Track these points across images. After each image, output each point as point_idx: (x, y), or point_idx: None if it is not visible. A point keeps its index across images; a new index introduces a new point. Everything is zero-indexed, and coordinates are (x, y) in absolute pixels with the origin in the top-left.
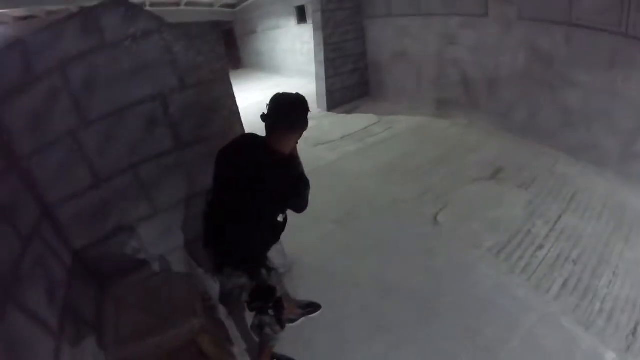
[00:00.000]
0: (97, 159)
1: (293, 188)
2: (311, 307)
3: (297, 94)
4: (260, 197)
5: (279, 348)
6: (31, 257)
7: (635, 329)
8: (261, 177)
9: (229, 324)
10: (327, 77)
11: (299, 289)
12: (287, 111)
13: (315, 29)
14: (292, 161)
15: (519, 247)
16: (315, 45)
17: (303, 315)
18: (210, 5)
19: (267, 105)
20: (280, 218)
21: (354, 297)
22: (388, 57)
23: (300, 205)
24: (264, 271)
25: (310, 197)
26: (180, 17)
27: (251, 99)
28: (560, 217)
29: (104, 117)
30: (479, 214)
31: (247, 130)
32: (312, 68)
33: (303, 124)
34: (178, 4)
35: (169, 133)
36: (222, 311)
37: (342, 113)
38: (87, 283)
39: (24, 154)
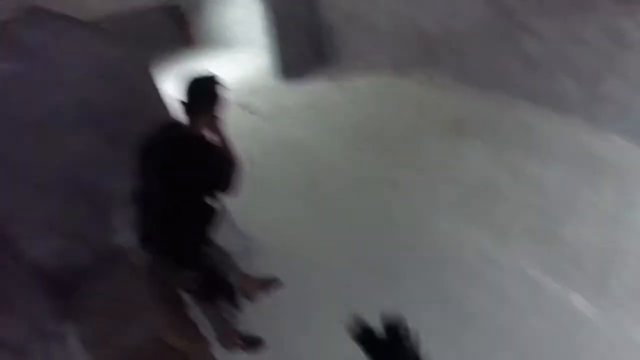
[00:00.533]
0: (35, 170)
1: (215, 169)
2: (271, 283)
3: (209, 74)
4: (182, 183)
5: (245, 327)
6: None
7: (605, 274)
8: (179, 162)
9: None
10: (280, 47)
11: (260, 269)
12: (197, 93)
13: None
14: (216, 143)
15: (481, 200)
16: (265, 14)
17: (263, 291)
18: None
19: (183, 90)
20: (211, 203)
21: (317, 272)
22: (342, 20)
23: (225, 186)
24: (208, 259)
25: (271, 174)
26: (127, 2)
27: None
28: (523, 166)
29: (35, 125)
30: (441, 171)
31: None
32: (265, 39)
33: (216, 103)
34: None
35: (98, 134)
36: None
37: (300, 83)
38: (49, 294)
39: None
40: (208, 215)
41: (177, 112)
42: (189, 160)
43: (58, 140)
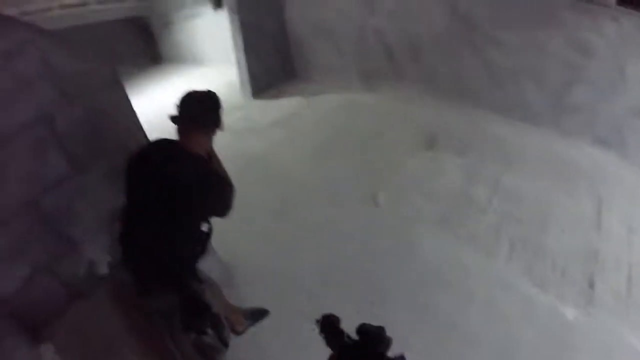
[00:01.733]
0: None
1: (213, 191)
2: (258, 314)
3: (208, 91)
4: (180, 205)
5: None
6: None
7: (591, 280)
8: (178, 183)
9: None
10: (248, 62)
11: (244, 297)
12: (197, 110)
13: (230, 13)
14: (210, 163)
15: (461, 215)
16: (232, 29)
17: (250, 325)
18: (122, 0)
19: (177, 105)
20: (204, 227)
21: (301, 295)
22: (310, 34)
23: (222, 208)
24: (195, 286)
25: (241, 193)
26: (91, 18)
27: (169, 98)
28: (499, 179)
29: None
30: (419, 187)
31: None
32: (233, 55)
33: (216, 122)
34: (85, 4)
35: (63, 156)
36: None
37: (269, 99)
38: (19, 332)
39: None
40: (200, 238)
41: (147, 133)
42: (186, 181)
43: (20, 162)
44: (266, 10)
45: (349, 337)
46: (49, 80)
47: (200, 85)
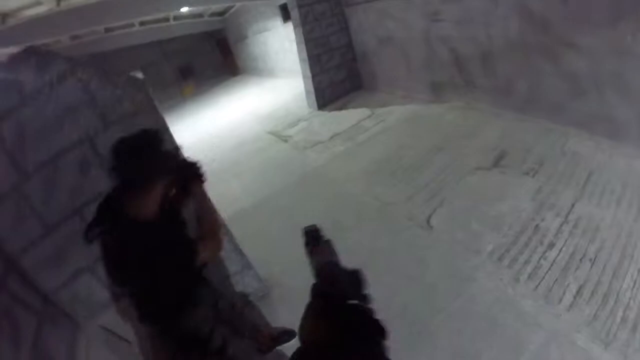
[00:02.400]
0: (43, 209)
1: (174, 256)
2: (285, 335)
3: (141, 132)
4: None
5: None
6: None
7: None
8: (128, 258)
9: None
10: (313, 75)
11: (278, 314)
12: (126, 161)
13: (295, 26)
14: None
15: (525, 248)
16: (297, 42)
17: (276, 345)
18: (200, 16)
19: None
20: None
21: None
22: (374, 45)
23: (195, 262)
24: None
25: (292, 208)
26: (171, 32)
27: (246, 106)
28: (573, 205)
29: (40, 167)
30: (479, 212)
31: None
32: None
33: (160, 169)
34: (167, 19)
35: (103, 173)
36: None
37: (334, 110)
38: (60, 325)
39: None
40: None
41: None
42: (135, 255)
43: (67, 176)
44: (330, 23)
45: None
46: (88, 106)
47: (270, 98)
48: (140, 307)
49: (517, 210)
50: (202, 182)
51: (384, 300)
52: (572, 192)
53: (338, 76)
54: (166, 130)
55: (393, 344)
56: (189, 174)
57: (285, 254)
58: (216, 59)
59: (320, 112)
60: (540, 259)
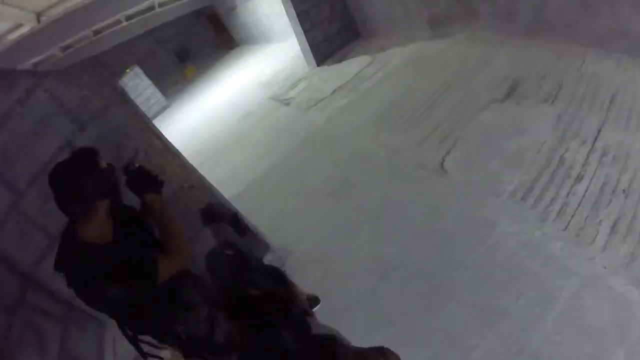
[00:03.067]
0: (44, 220)
1: (128, 276)
2: (310, 301)
3: (76, 151)
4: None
5: None
6: (19, 324)
7: None
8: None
9: None
10: (305, 31)
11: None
12: (63, 186)
13: None
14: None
15: (550, 184)
16: (283, 1)
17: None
18: None
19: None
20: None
21: (352, 283)
22: None
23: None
24: None
25: (298, 172)
26: (160, 19)
27: (247, 76)
28: (599, 132)
29: (31, 182)
30: (496, 149)
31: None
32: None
33: (96, 189)
34: (153, 8)
35: None
36: None
37: (333, 64)
38: (85, 327)
39: None
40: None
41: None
42: (88, 278)
43: None
44: None
45: None
46: (60, 112)
47: (268, 63)
48: (129, 328)
49: (538, 142)
50: (156, 193)
51: (398, 257)
52: (596, 117)
53: (332, 28)
54: (139, 112)
55: (409, 304)
56: (140, 186)
57: (296, 220)
58: (210, 36)
59: (320, 68)
60: (568, 194)
